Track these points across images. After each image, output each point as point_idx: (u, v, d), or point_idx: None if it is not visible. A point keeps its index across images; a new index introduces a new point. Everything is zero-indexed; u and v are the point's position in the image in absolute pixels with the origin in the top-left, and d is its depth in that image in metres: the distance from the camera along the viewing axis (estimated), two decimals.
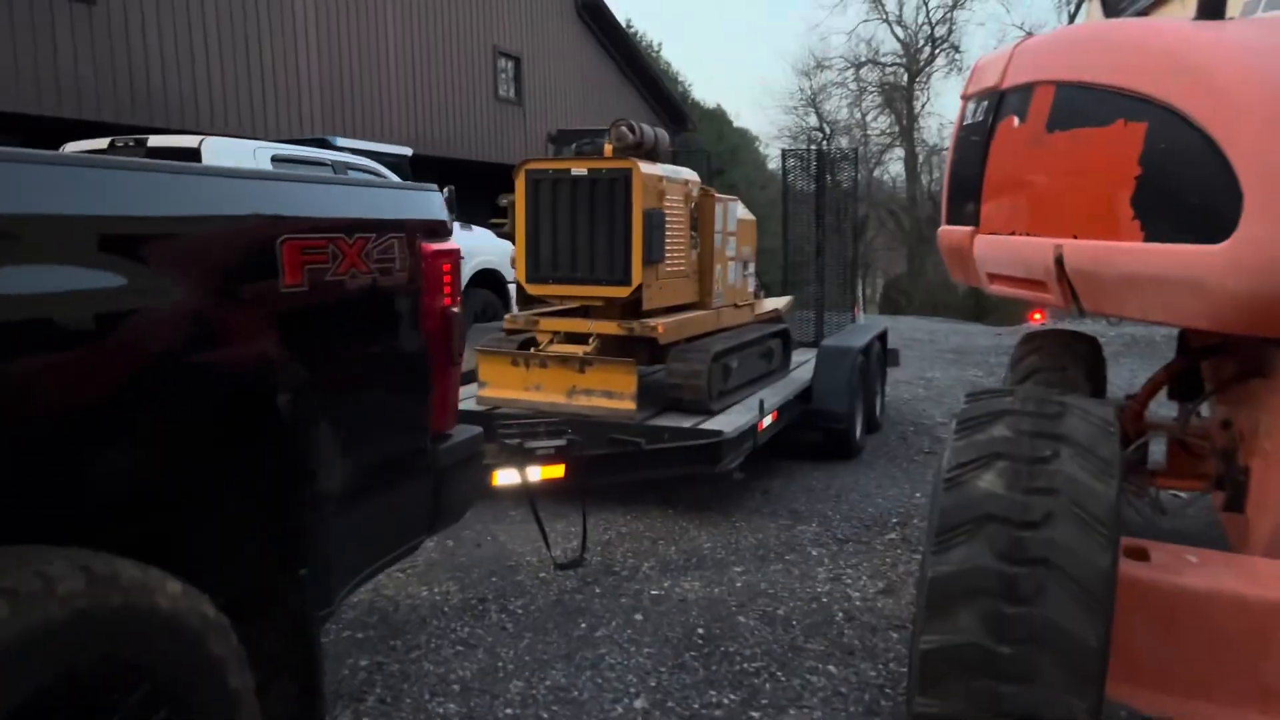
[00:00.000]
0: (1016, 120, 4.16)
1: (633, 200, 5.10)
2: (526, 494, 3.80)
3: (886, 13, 37.36)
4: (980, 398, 2.60)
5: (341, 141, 11.75)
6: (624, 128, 5.26)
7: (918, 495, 5.31)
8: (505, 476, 3.73)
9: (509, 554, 4.20)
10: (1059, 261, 3.59)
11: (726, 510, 4.92)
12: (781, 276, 8.90)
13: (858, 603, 3.76)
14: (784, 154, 8.53)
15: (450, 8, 17.88)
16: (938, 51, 36.85)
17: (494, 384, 5.28)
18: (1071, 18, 35.08)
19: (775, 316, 7.26)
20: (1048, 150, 3.85)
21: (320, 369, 1.95)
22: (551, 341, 5.39)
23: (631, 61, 23.94)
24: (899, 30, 37.35)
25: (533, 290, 5.40)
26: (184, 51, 12.42)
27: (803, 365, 7.17)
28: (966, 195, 4.66)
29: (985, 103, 4.54)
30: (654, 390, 5.53)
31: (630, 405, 4.98)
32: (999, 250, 4.22)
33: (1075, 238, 3.49)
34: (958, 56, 36.64)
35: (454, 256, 2.44)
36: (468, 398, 5.54)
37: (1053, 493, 2.20)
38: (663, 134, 5.60)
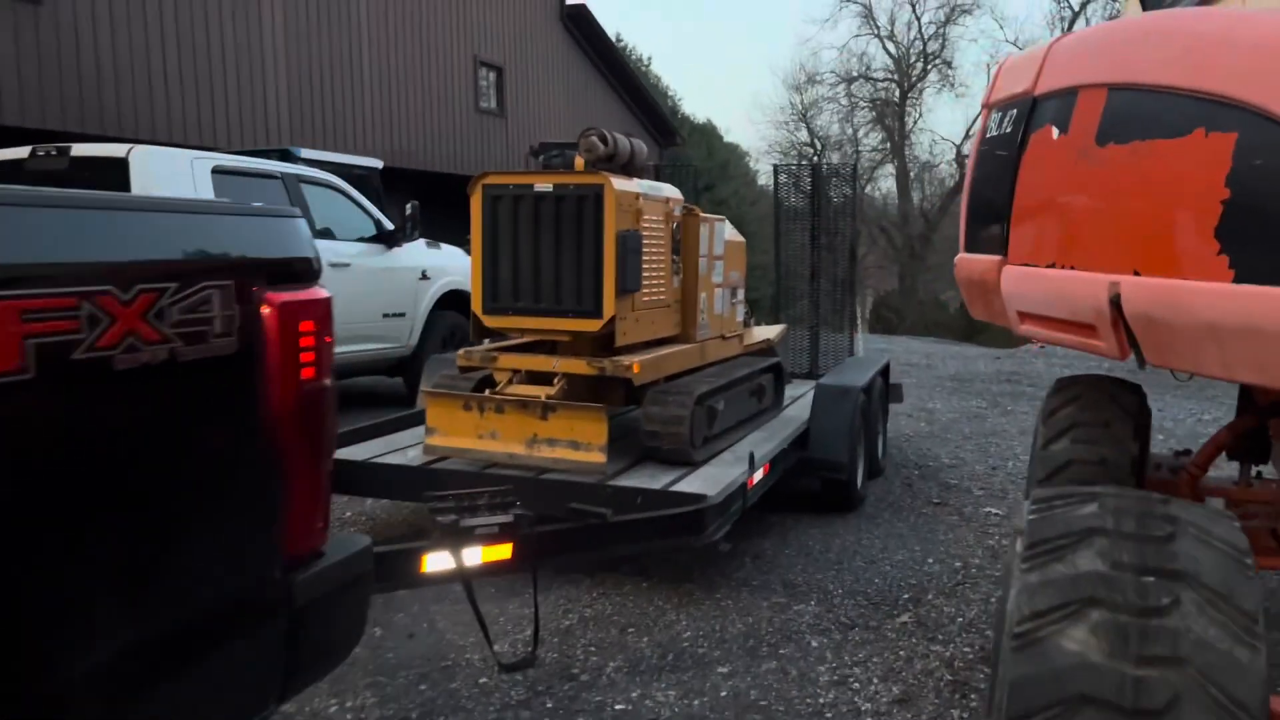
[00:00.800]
0: (1056, 131, 3.49)
1: (604, 220, 4.43)
2: (463, 582, 3.10)
3: (878, 28, 37.02)
4: (1053, 504, 1.92)
5: (306, 153, 11.05)
6: (594, 137, 4.58)
7: (930, 561, 4.62)
8: (437, 561, 3.03)
9: (446, 649, 3.49)
10: (1115, 303, 2.89)
11: (710, 583, 4.22)
12: (773, 296, 8.24)
13: (869, 718, 3.06)
14: (776, 169, 7.88)
15: (429, 17, 17.23)
16: (930, 67, 36.45)
17: (443, 431, 4.57)
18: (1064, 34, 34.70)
19: (767, 348, 6.58)
20: (1099, 166, 3.18)
21: (67, 492, 1.26)
22: (511, 381, 4.70)
23: (618, 74, 23.32)
24: (891, 46, 36.90)
25: (490, 322, 4.71)
26: (139, 57, 11.71)
27: (797, 401, 6.50)
28: (991, 218, 3.98)
29: (1014, 111, 3.87)
30: (629, 434, 4.84)
31: (599, 458, 4.29)
32: (1034, 285, 3.55)
33: (1137, 274, 2.81)
34: (950, 72, 36.30)
35: (320, 310, 1.78)
36: (415, 444, 4.85)
37: (1176, 663, 1.52)
38: (640, 145, 4.92)
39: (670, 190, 5.11)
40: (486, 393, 4.59)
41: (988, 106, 4.18)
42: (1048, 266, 3.41)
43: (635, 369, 4.50)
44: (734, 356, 5.91)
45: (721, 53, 79.85)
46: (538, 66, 20.74)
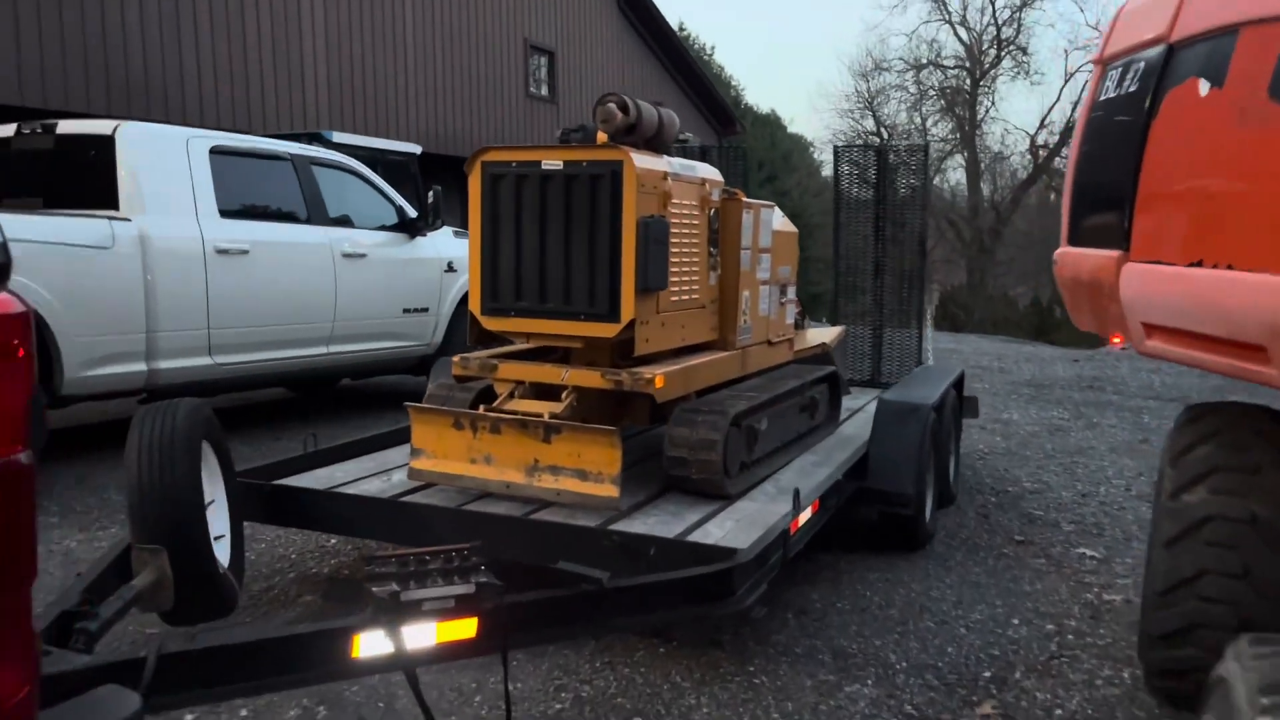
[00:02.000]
0: (1204, 85, 2.64)
1: (623, 203, 3.67)
2: (405, 671, 2.38)
3: (949, 13, 35.55)
4: None
5: (338, 137, 10.50)
6: (612, 104, 3.82)
7: (1015, 622, 3.79)
8: (372, 644, 2.32)
9: None
10: None
11: (743, 650, 3.45)
12: (831, 292, 7.40)
13: None
14: (837, 152, 7.04)
15: (477, 1, 16.59)
16: (1004, 54, 34.96)
17: (430, 453, 3.86)
18: None
19: (821, 352, 5.77)
20: (1271, 128, 2.35)
21: None
22: (513, 395, 3.97)
23: (676, 59, 22.50)
24: (962, 32, 35.48)
25: (490, 325, 3.99)
26: (169, 35, 11.23)
27: (856, 414, 5.69)
28: (1106, 203, 3.14)
29: (1140, 65, 3.02)
30: (654, 454, 4.09)
31: (610, 490, 3.54)
32: (1169, 289, 2.71)
33: None
34: (1025, 59, 34.73)
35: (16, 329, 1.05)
36: (399, 465, 4.16)
37: None
38: (671, 116, 4.15)
39: (707, 170, 4.34)
40: (480, 409, 3.87)
41: (1101, 62, 3.33)
42: (1190, 265, 2.58)
43: (658, 383, 3.74)
44: (781, 365, 5.13)
45: (786, 40, 78.46)
46: (591, 51, 20.02)
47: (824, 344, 5.72)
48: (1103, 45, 3.31)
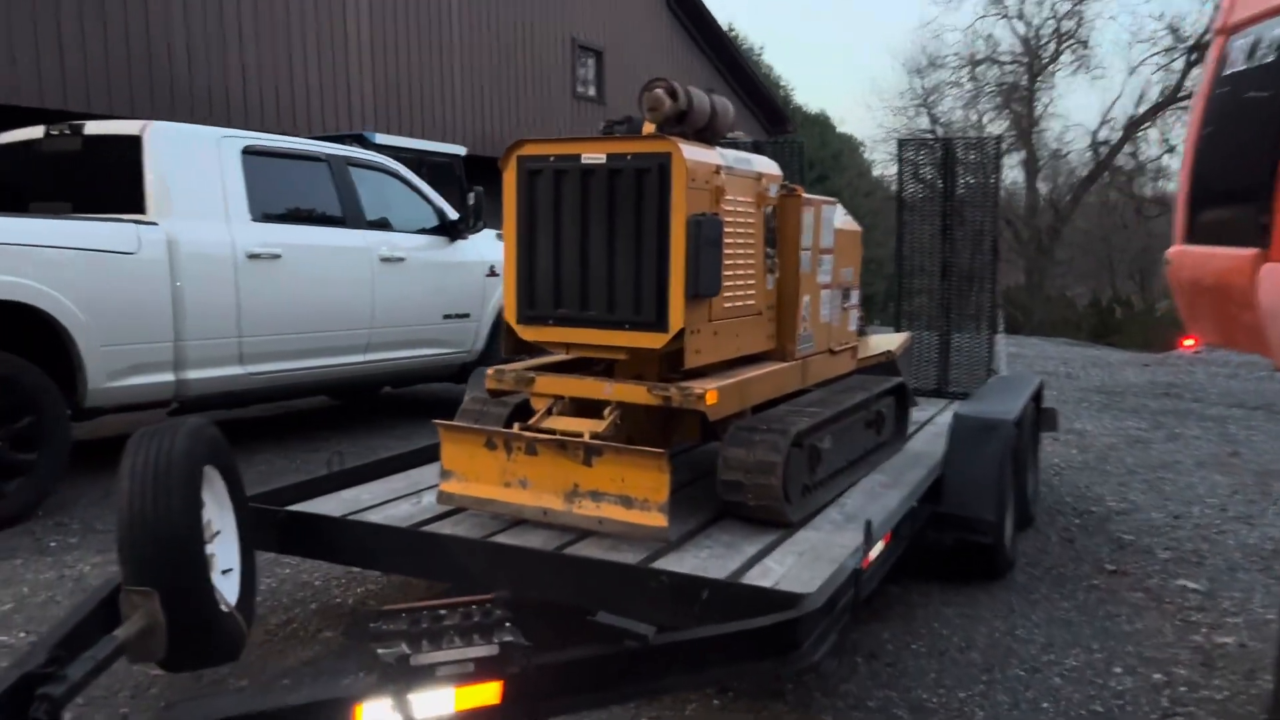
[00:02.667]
0: None
1: (672, 200, 3.31)
2: None
3: (1006, 7, 34.68)
4: None
5: (380, 138, 10.30)
6: (660, 90, 3.46)
7: (1117, 671, 3.35)
8: (377, 715, 1.98)
9: None
10: None
11: (807, 703, 3.06)
12: (889, 292, 6.96)
13: None
14: (901, 144, 6.60)
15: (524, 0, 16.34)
16: (1063, 48, 33.98)
17: (462, 475, 3.53)
18: (1217, 8, 31.81)
19: (886, 361, 5.35)
20: None
21: None
22: (550, 411, 3.62)
23: (725, 58, 22.10)
24: (1020, 26, 34.57)
25: (526, 334, 3.64)
26: (214, 37, 11.10)
27: (924, 428, 5.27)
28: (1237, 193, 2.69)
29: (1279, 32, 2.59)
30: (707, 472, 3.73)
31: (658, 520, 3.17)
32: None
33: None
34: (1086, 53, 33.70)
35: None
36: (432, 486, 3.83)
37: None
38: (725, 104, 3.78)
39: (765, 163, 3.96)
40: (515, 428, 3.52)
41: (1225, 31, 2.88)
42: None
43: (710, 398, 3.37)
44: (845, 375, 4.72)
45: (837, 39, 77.58)
46: (640, 51, 19.69)
47: (889, 352, 5.30)
48: (1225, 11, 2.87)
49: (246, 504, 3.17)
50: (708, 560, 3.10)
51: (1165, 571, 4.44)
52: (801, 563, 3.09)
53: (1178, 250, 3.09)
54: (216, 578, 2.95)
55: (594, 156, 3.43)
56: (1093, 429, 7.95)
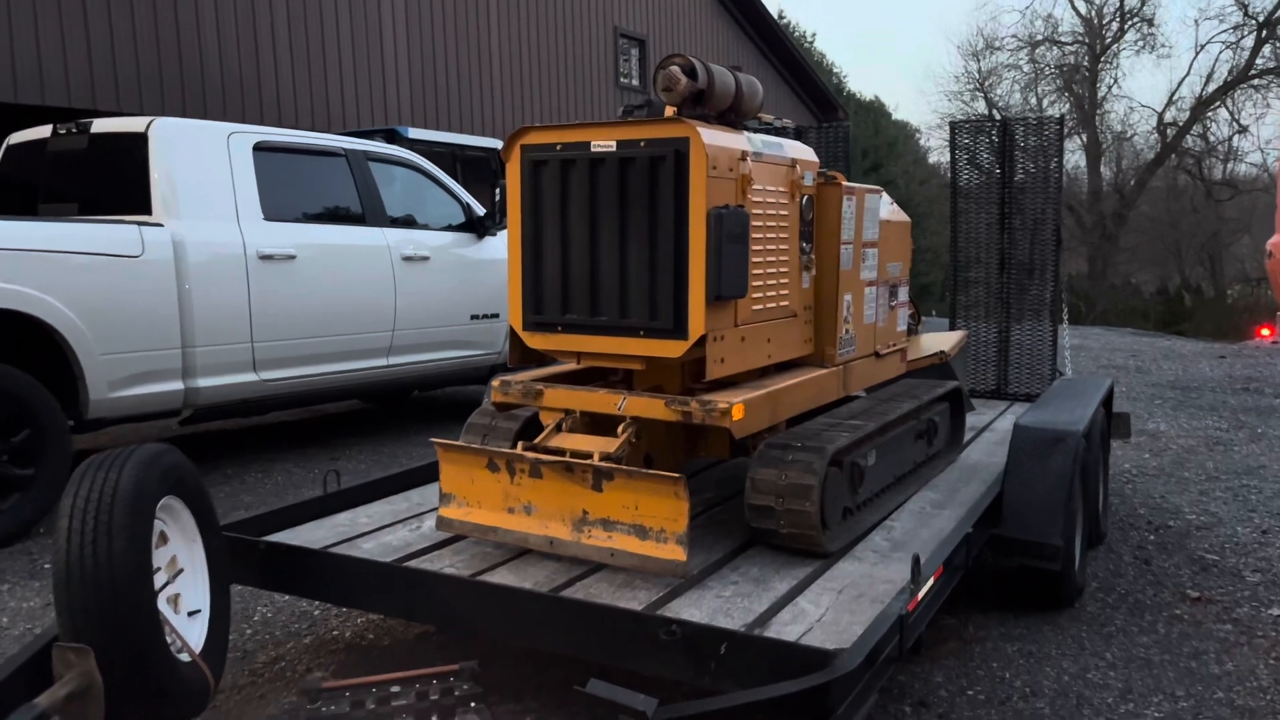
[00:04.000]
0: None
1: (690, 191, 2.93)
2: None
3: None
4: None
5: (413, 133, 10.01)
6: (675, 66, 3.08)
7: (1204, 718, 2.91)
8: None
9: None
10: None
11: None
12: (948, 288, 6.50)
13: None
14: (954, 128, 6.13)
15: None
16: (1127, 26, 32.82)
17: (462, 499, 3.19)
18: None
19: (939, 362, 4.90)
20: None
21: None
22: (560, 428, 3.27)
23: (774, 44, 21.57)
24: (1081, 5, 33.44)
25: (533, 341, 3.29)
26: (246, 35, 10.92)
27: (982, 435, 4.84)
28: None
29: None
30: (736, 490, 3.36)
31: (677, 553, 2.80)
32: None
33: None
34: (1151, 31, 32.50)
35: None
36: (431, 510, 3.51)
37: None
38: (752, 82, 3.39)
39: (798, 149, 3.55)
40: (519, 448, 3.17)
41: None
42: None
43: (736, 413, 2.99)
44: (893, 380, 4.31)
45: (889, 22, 76.18)
46: (685, 39, 19.27)
47: (942, 352, 4.86)
48: None
49: (219, 534, 2.86)
50: (732, 600, 2.72)
51: (1255, 598, 3.96)
52: (840, 603, 2.70)
53: (1279, 242, 2.63)
54: (180, 621, 2.65)
55: (604, 144, 3.07)
56: (1167, 429, 7.40)
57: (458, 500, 3.19)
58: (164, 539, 2.65)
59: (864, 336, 3.91)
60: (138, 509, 2.37)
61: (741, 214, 3.00)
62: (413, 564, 3.03)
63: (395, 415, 7.84)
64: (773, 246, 3.29)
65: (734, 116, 3.32)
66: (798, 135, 6.33)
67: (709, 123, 3.11)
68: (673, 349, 3.02)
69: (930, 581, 2.83)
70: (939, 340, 5.12)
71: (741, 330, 3.15)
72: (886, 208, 4.15)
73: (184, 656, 2.52)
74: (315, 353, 5.79)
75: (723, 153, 3.00)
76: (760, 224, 3.18)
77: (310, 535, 3.29)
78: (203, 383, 5.24)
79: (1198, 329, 25.72)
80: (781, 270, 3.35)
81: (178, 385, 5.15)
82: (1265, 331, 16.18)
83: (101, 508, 2.31)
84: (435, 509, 3.51)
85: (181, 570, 2.69)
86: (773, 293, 3.31)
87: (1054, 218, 5.97)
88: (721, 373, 3.07)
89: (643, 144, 3.00)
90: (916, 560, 2.71)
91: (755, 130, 3.56)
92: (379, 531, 3.38)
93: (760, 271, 3.20)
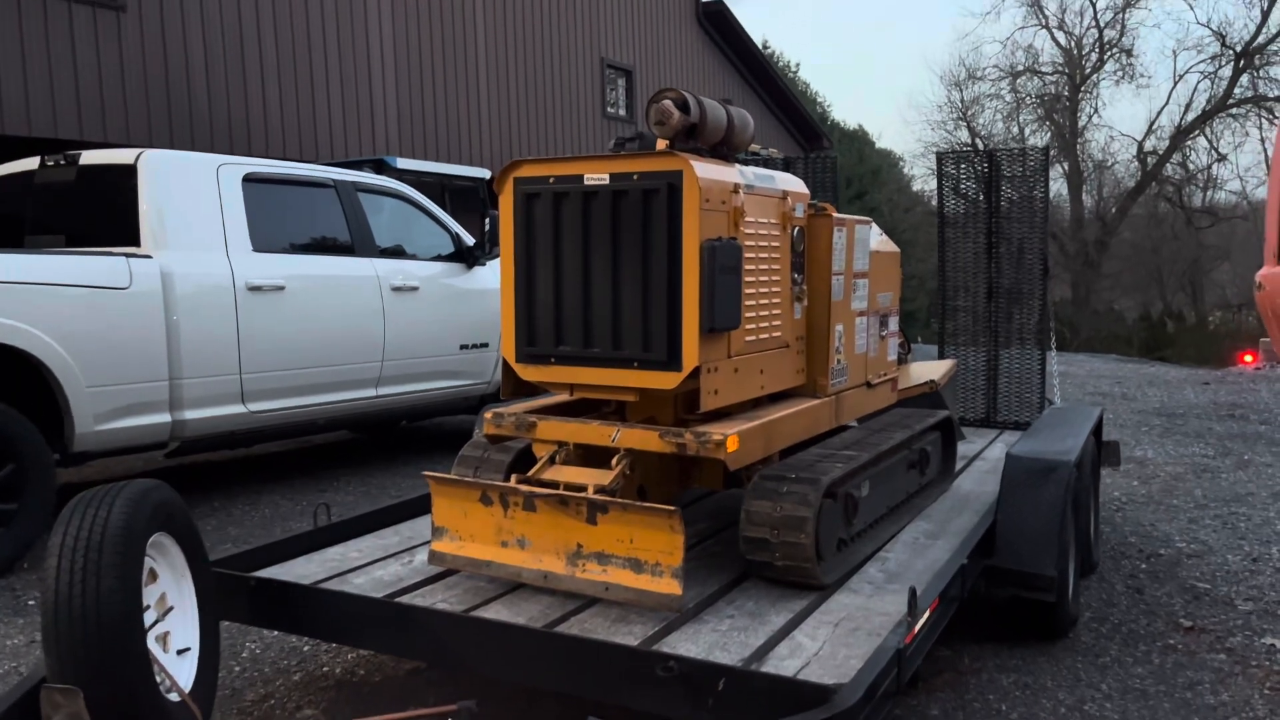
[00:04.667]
0: None
1: (683, 223, 2.94)
2: None
3: (1046, 17, 34.01)
4: None
5: (402, 163, 10.04)
6: (668, 100, 3.10)
7: None
8: None
9: None
10: None
11: None
12: (929, 310, 6.52)
13: None
14: (940, 158, 6.19)
15: (552, 18, 16.14)
16: (1106, 57, 33.27)
17: (455, 533, 3.16)
18: (1265, 14, 30.93)
19: (930, 390, 4.92)
20: None
21: None
22: (553, 460, 3.25)
23: (759, 75, 21.78)
24: (1061, 36, 33.90)
25: (526, 374, 3.28)
26: (234, 66, 10.95)
27: (973, 464, 4.85)
28: None
29: None
30: (730, 523, 3.35)
31: (673, 587, 2.78)
32: None
33: None
34: (1130, 62, 32.95)
35: None
36: (423, 543, 3.48)
37: None
38: (743, 116, 3.41)
39: (789, 181, 3.57)
40: (512, 480, 3.15)
41: None
42: None
43: (731, 445, 2.98)
44: (884, 410, 4.31)
45: (872, 52, 77.03)
46: (672, 69, 19.43)
47: (933, 381, 4.87)
48: None
49: (209, 570, 2.83)
50: (728, 635, 2.71)
51: (1248, 627, 3.96)
52: (837, 637, 2.69)
53: (1268, 273, 2.67)
54: (170, 659, 2.61)
55: (597, 177, 3.08)
56: (1155, 457, 7.43)
57: (450, 534, 3.17)
58: (154, 576, 2.62)
59: (855, 366, 3.92)
60: (128, 547, 2.34)
61: (734, 246, 3.01)
62: (404, 599, 3.01)
63: (383, 446, 7.79)
64: (765, 278, 3.29)
65: (726, 149, 3.34)
66: (786, 166, 6.37)
67: (701, 156, 3.12)
68: (667, 380, 3.01)
69: (927, 614, 2.82)
70: (929, 369, 5.14)
71: (735, 361, 3.15)
72: (876, 238, 4.17)
73: (173, 696, 2.48)
74: (304, 384, 5.76)
75: (715, 185, 3.01)
76: (753, 255, 3.19)
77: (300, 570, 3.25)
78: (190, 415, 5.20)
79: (1181, 355, 25.90)
80: (774, 301, 3.36)
81: (165, 418, 5.11)
82: (1248, 358, 16.32)
83: (91, 546, 2.28)
84: (427, 543, 3.48)
85: (171, 608, 2.65)
86: (765, 324, 3.31)
87: (1040, 245, 6.02)
88: (715, 404, 3.07)
89: (636, 177, 3.01)
90: (913, 593, 2.70)
91: (746, 162, 3.59)
92: (370, 566, 3.34)
93: (753, 303, 3.21)
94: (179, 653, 2.66)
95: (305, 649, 3.69)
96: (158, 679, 2.40)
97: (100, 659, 2.21)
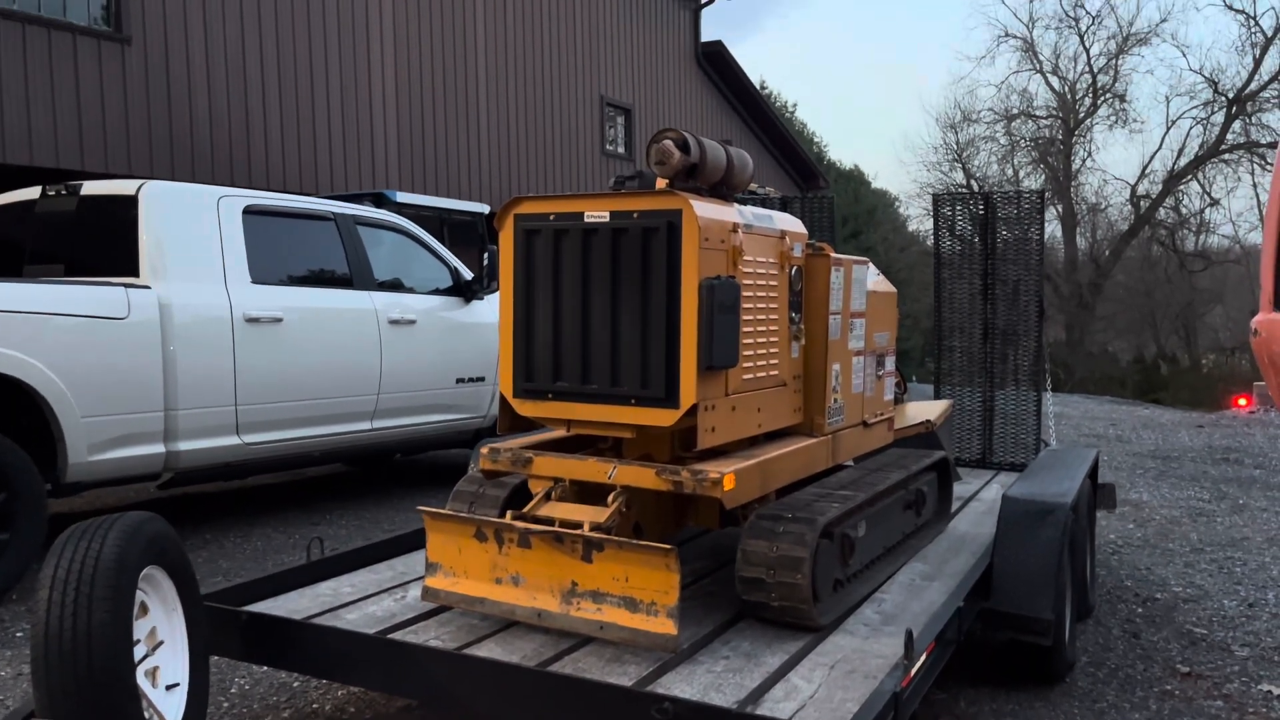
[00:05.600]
0: None
1: (682, 262, 2.96)
2: None
3: (1040, 62, 34.42)
4: None
5: (401, 197, 10.10)
6: (668, 140, 3.13)
7: None
8: None
9: None
10: None
11: None
12: (924, 350, 6.53)
13: None
14: (937, 200, 6.23)
15: (553, 57, 16.30)
16: (1100, 102, 33.62)
17: (449, 569, 3.14)
18: (1257, 62, 31.35)
19: (926, 430, 4.92)
20: None
21: None
22: (549, 496, 3.24)
23: (757, 115, 21.97)
24: (1054, 81, 34.30)
25: (524, 409, 3.28)
26: (237, 98, 11.03)
27: (969, 505, 4.83)
28: None
29: None
30: (727, 561, 3.33)
31: (668, 627, 2.76)
32: None
33: None
34: (1123, 107, 33.31)
35: None
36: (416, 578, 3.46)
37: None
38: (743, 156, 3.44)
39: (787, 220, 3.60)
40: (507, 516, 3.14)
41: None
42: None
43: (727, 483, 2.97)
44: (880, 449, 4.31)
45: (869, 95, 77.92)
46: (670, 108, 19.60)
47: (929, 421, 4.88)
48: None
49: (200, 604, 2.80)
50: (723, 676, 2.68)
51: (1245, 673, 3.94)
52: (833, 679, 2.67)
53: (1265, 319, 2.69)
54: (159, 695, 2.58)
55: (597, 215, 3.10)
56: (1150, 500, 7.42)
57: (444, 570, 3.15)
58: (145, 610, 2.60)
59: (852, 406, 3.92)
60: (120, 580, 2.32)
61: (733, 285, 3.03)
62: (397, 636, 2.98)
63: (377, 479, 7.76)
64: (763, 317, 3.31)
65: (725, 189, 3.36)
66: (783, 205, 6.42)
67: (701, 195, 3.15)
68: (664, 418, 3.01)
69: (923, 657, 2.80)
70: (925, 409, 5.15)
71: (732, 399, 3.15)
72: (873, 278, 4.19)
73: None
74: (299, 416, 5.75)
75: (714, 224, 3.03)
76: (751, 294, 3.20)
77: (292, 605, 3.23)
78: (184, 446, 5.18)
79: (1174, 398, 25.96)
80: (772, 340, 3.37)
81: (159, 448, 5.09)
82: (1243, 401, 16.35)
83: (83, 579, 2.27)
84: (421, 578, 3.46)
85: (161, 642, 2.63)
86: (763, 362, 3.32)
87: (1035, 287, 6.05)
88: (713, 442, 3.07)
89: (636, 215, 3.03)
90: (910, 635, 2.68)
91: (745, 201, 3.61)
92: (363, 601, 3.32)
93: (751, 341, 3.22)
94: (168, 688, 2.63)
95: (295, 685, 3.65)
96: (146, 715, 2.37)
97: (89, 693, 2.18)
